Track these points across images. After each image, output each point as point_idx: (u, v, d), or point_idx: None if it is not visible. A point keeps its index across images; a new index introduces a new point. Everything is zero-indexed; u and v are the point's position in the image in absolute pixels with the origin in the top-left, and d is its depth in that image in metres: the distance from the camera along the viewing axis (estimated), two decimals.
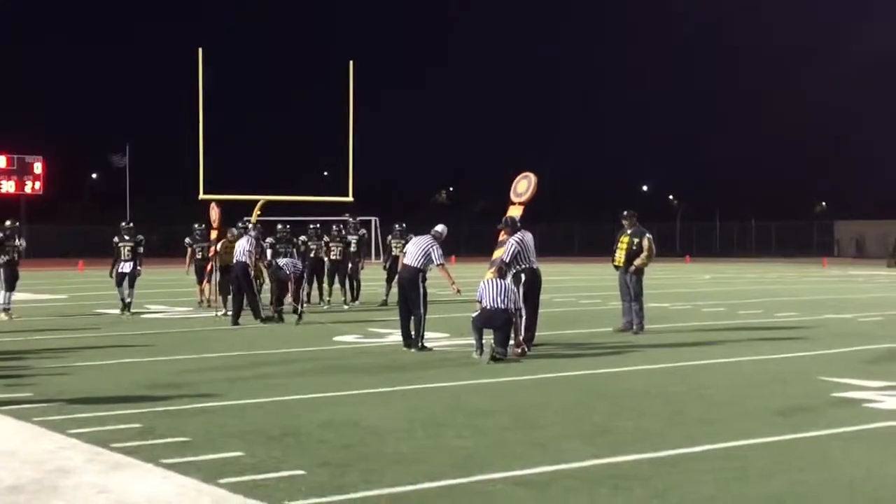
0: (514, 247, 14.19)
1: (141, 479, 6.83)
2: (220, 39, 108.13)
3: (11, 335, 16.53)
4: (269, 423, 8.82)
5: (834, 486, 6.67)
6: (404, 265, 14.52)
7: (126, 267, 20.19)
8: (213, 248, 21.31)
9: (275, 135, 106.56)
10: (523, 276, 14.10)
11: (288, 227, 21.71)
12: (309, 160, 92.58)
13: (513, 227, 14.54)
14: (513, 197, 16.72)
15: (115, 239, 20.53)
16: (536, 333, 14.26)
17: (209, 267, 21.24)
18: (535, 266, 14.29)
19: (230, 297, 19.47)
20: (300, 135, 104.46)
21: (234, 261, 18.75)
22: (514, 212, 16.05)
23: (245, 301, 18.71)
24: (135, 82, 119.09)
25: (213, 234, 21.24)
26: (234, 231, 20.57)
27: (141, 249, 20.62)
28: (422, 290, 14.25)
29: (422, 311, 14.19)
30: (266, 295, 19.74)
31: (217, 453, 7.59)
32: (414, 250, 14.45)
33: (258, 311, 18.61)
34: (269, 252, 20.22)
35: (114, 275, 20.40)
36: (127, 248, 20.26)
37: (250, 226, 20.18)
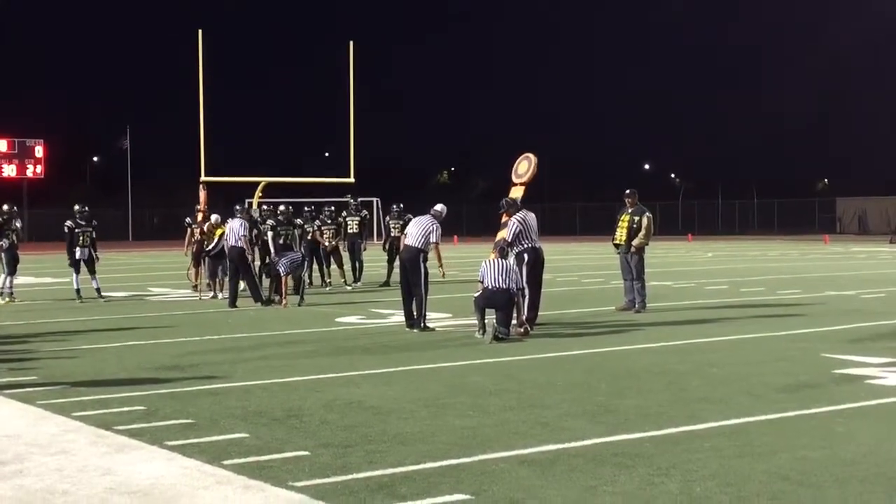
0: (516, 226, 14.18)
1: (145, 461, 6.85)
2: (220, 20, 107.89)
3: (14, 319, 16.56)
4: (273, 404, 8.84)
5: (837, 463, 6.68)
6: (405, 245, 14.51)
7: (84, 253, 19.81)
8: (197, 231, 21.09)
9: (276, 116, 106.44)
10: (526, 256, 14.11)
11: (290, 208, 21.68)
12: (310, 141, 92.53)
13: (514, 208, 14.53)
14: (514, 178, 16.70)
15: (70, 223, 19.85)
16: (539, 313, 14.28)
17: (197, 249, 20.97)
18: (537, 246, 14.30)
19: (212, 281, 19.99)
20: (302, 116, 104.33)
21: (230, 245, 18.71)
22: (515, 193, 16.03)
23: (244, 285, 18.70)
24: (135, 65, 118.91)
25: (199, 217, 21.08)
26: (215, 217, 20.46)
27: (94, 234, 20.22)
28: (423, 270, 14.24)
29: (423, 291, 14.19)
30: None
31: (221, 435, 7.60)
32: (415, 230, 14.43)
33: (258, 294, 18.60)
34: (269, 234, 20.07)
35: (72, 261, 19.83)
36: (86, 234, 19.93)
37: (245, 208, 20.17)
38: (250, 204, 20.88)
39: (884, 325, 14.51)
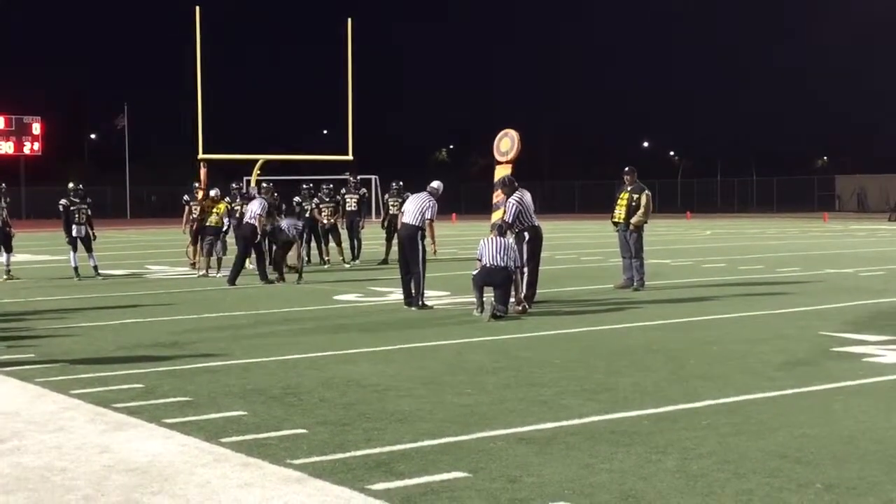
0: (514, 207, 14.16)
1: (143, 439, 6.86)
2: None
3: (12, 296, 16.56)
4: (271, 382, 8.85)
5: (835, 440, 6.69)
6: (403, 223, 14.50)
7: (81, 231, 19.80)
8: (196, 209, 21.04)
9: (274, 93, 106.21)
10: (526, 235, 14.10)
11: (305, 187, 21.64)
12: (309, 119, 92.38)
13: (510, 187, 14.48)
14: (497, 157, 16.54)
15: (65, 202, 19.83)
16: (537, 290, 14.28)
17: (196, 227, 20.95)
18: (536, 224, 14.29)
19: (212, 258, 20.04)
20: (300, 93, 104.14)
21: (244, 222, 18.74)
22: (502, 171, 15.89)
23: (252, 263, 18.71)
24: (133, 41, 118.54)
25: (200, 195, 21.05)
26: (214, 192, 20.49)
27: (90, 212, 20.23)
28: (420, 247, 14.22)
29: (421, 268, 14.18)
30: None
31: (219, 413, 7.61)
32: (411, 208, 14.41)
33: (265, 274, 18.58)
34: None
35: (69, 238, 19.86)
36: (81, 212, 19.91)
37: (268, 187, 20.19)
38: (264, 183, 20.81)
39: (882, 303, 14.53)
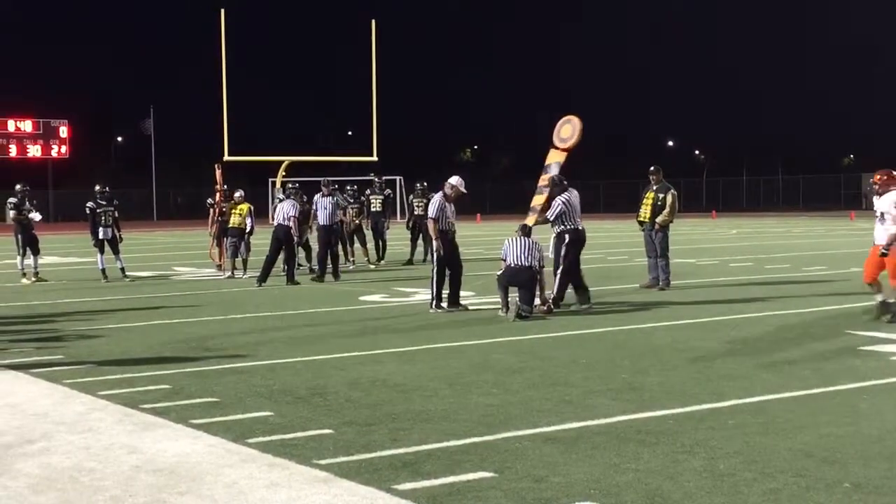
0: (560, 207, 14.06)
1: (171, 440, 6.90)
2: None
3: (41, 298, 16.69)
4: (297, 382, 8.88)
5: (862, 440, 6.65)
6: (425, 224, 14.47)
7: (107, 233, 19.95)
8: (215, 210, 21.10)
9: (300, 95, 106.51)
10: (567, 237, 14.02)
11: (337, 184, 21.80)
12: (334, 120, 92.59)
13: (560, 186, 14.32)
14: (556, 142, 16.02)
15: (91, 204, 20.09)
16: (566, 291, 14.20)
17: (218, 229, 21.00)
18: (580, 227, 14.21)
19: (238, 259, 20.16)
20: (325, 95, 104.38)
21: (276, 224, 18.82)
22: (556, 157, 15.60)
23: (283, 262, 18.79)
24: (159, 44, 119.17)
25: (218, 197, 21.09)
26: (238, 194, 20.55)
27: (117, 214, 20.36)
28: (436, 244, 14.07)
29: (433, 270, 14.04)
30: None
31: (246, 413, 7.65)
32: (431, 209, 14.37)
33: (293, 275, 18.65)
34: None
35: (95, 241, 20.07)
36: (107, 214, 20.08)
37: (296, 188, 20.27)
38: (290, 184, 20.81)
39: None
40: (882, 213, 12.17)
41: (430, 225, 14.21)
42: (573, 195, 14.31)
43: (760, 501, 5.42)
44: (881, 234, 12.16)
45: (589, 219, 15.67)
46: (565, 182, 14.47)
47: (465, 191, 14.57)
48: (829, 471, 5.95)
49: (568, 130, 16.04)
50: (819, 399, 8.00)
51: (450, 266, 14.15)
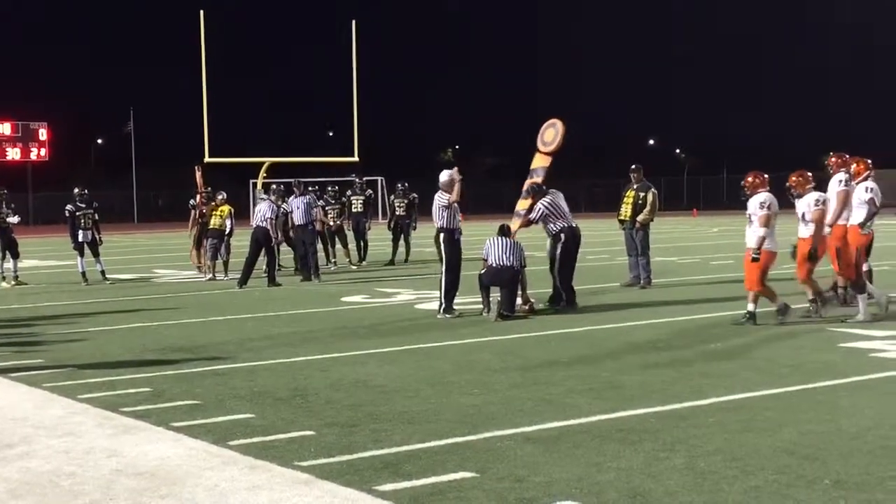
0: (541, 210, 14.02)
1: (151, 443, 6.88)
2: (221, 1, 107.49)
3: (20, 302, 16.59)
4: (278, 384, 8.86)
5: (841, 437, 6.69)
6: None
7: (87, 236, 19.80)
8: (197, 212, 21.04)
9: (280, 96, 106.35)
10: (563, 236, 14.02)
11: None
12: (314, 121, 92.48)
13: (539, 194, 14.28)
14: (540, 146, 15.98)
15: (71, 207, 19.89)
16: (541, 290, 14.22)
17: (198, 231, 20.93)
18: (573, 224, 14.20)
19: (218, 262, 20.12)
20: (305, 96, 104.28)
21: (255, 225, 18.74)
22: (541, 162, 15.60)
23: (264, 265, 18.75)
24: (138, 45, 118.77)
25: (198, 199, 21.01)
26: (221, 196, 20.50)
27: (97, 216, 20.24)
28: (442, 248, 13.61)
29: (443, 269, 13.59)
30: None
31: (227, 415, 7.63)
32: (433, 210, 13.99)
33: (274, 277, 18.59)
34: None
35: (74, 244, 19.90)
36: (87, 217, 19.97)
37: (276, 189, 20.21)
38: (275, 186, 20.74)
39: (889, 299, 14.46)
40: (750, 216, 12.30)
41: (455, 195, 13.57)
42: (557, 196, 14.31)
43: (741, 499, 5.44)
44: (751, 237, 12.25)
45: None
46: (545, 188, 14.45)
47: (459, 176, 13.95)
48: (809, 468, 5.98)
49: (551, 134, 16.06)
50: (799, 396, 8.04)
51: (455, 269, 13.66)
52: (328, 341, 11.44)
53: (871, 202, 12.50)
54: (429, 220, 14.98)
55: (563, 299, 14.04)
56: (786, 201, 12.99)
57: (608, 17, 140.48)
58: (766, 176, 12.61)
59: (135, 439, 6.99)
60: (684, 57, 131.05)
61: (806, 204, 12.63)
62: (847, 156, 13.26)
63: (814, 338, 10.99)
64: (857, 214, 12.59)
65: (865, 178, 12.78)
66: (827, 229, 12.68)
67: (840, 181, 12.99)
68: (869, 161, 13.01)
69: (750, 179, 12.62)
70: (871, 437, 6.68)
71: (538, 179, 15.03)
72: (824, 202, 12.67)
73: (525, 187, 15.00)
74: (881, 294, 12.61)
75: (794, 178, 12.88)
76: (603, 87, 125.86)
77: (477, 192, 74.32)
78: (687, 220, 53.88)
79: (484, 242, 13.71)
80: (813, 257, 12.60)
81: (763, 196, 12.21)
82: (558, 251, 14.00)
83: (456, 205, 13.76)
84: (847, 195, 12.86)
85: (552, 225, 14.12)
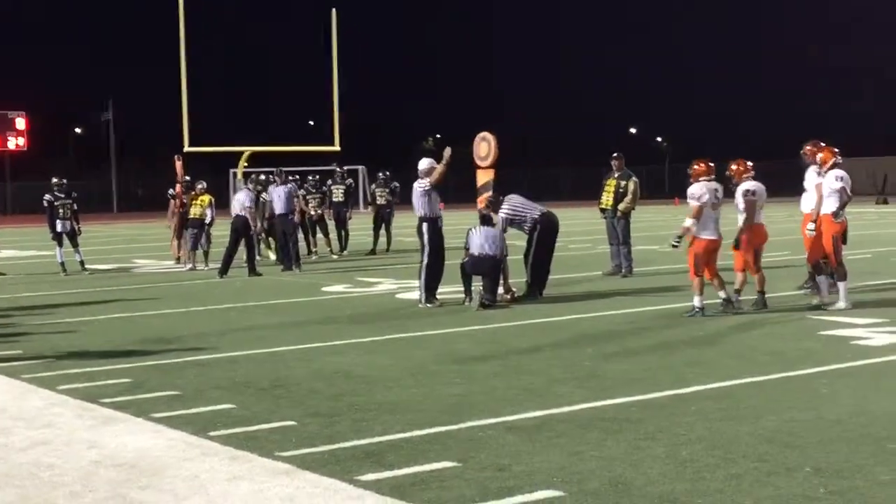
0: (504, 220, 13.90)
1: (131, 434, 6.84)
2: None
3: None
4: (260, 374, 8.83)
5: (822, 424, 6.71)
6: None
7: (65, 226, 19.66)
8: (176, 202, 20.94)
9: (260, 84, 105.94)
10: (538, 226, 13.98)
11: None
12: (295, 110, 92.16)
13: (497, 204, 14.16)
14: (477, 161, 16.37)
15: (49, 197, 19.70)
16: (514, 280, 14.18)
17: (178, 221, 20.84)
18: (544, 211, 14.12)
19: (198, 252, 20.08)
20: (285, 84, 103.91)
21: (234, 215, 18.64)
22: (486, 176, 15.90)
23: (244, 255, 18.68)
24: (116, 33, 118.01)
25: (178, 189, 20.90)
26: (200, 186, 20.41)
27: (75, 206, 20.10)
28: (425, 238, 13.50)
29: (424, 259, 13.48)
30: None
31: (208, 406, 7.60)
32: (413, 199, 13.90)
33: (254, 267, 18.51)
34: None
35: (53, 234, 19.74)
36: (66, 207, 19.83)
37: (255, 178, 20.14)
38: (255, 175, 20.65)
39: (869, 286, 14.57)
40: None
41: (439, 172, 13.57)
42: (512, 199, 14.18)
43: (722, 487, 5.45)
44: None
45: (551, 206, 15.66)
46: (501, 197, 14.30)
47: (448, 159, 13.75)
48: (790, 455, 5.99)
49: (485, 148, 16.34)
50: (780, 384, 8.06)
51: (440, 258, 13.64)
52: (309, 331, 11.41)
53: (842, 191, 12.50)
54: (409, 209, 14.92)
55: (532, 286, 13.92)
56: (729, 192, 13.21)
57: (589, 5, 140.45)
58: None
59: (114, 430, 6.95)
60: (665, 45, 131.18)
61: (741, 192, 12.76)
62: (822, 144, 13.27)
63: (795, 326, 11.02)
64: (829, 203, 12.58)
65: (833, 167, 12.76)
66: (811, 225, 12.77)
67: (817, 172, 13.00)
68: (836, 150, 13.00)
69: (734, 167, 12.67)
70: (852, 424, 6.70)
71: (489, 194, 14.92)
72: (754, 193, 12.77)
73: (482, 207, 14.65)
74: (825, 287, 12.64)
75: (733, 167, 12.96)
76: (583, 75, 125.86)
77: (458, 182, 74.37)
78: (668, 208, 53.98)
79: (465, 232, 13.70)
80: (737, 246, 12.77)
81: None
82: (534, 240, 13.97)
83: (435, 192, 13.72)
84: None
85: (525, 224, 14.06)
